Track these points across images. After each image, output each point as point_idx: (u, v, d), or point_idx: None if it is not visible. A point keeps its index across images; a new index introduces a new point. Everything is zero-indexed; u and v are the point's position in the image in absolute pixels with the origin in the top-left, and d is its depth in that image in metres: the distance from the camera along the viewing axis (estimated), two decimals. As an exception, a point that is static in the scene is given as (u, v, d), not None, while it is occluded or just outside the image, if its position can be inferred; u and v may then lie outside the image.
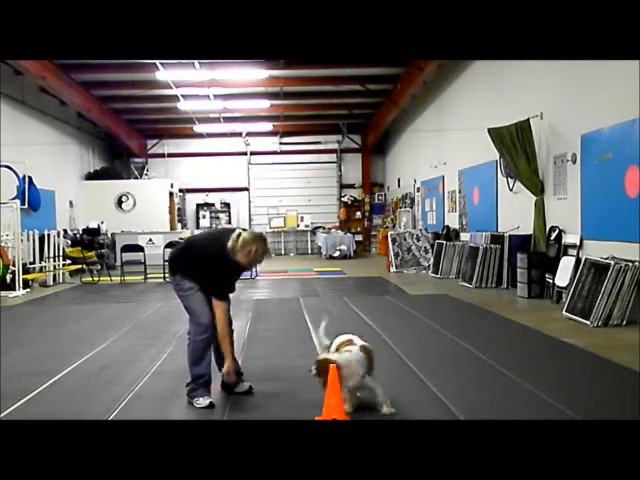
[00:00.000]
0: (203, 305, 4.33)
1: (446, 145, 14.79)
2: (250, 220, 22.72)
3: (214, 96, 17.15)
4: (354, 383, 3.86)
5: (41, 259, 13.31)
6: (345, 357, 3.89)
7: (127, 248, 13.99)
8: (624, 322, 6.99)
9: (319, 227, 22.42)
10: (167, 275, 13.47)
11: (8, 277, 11.41)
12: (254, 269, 12.98)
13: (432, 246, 14.45)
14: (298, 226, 22.73)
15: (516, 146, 9.82)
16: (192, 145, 22.30)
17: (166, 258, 13.61)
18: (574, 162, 8.70)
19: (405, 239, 15.01)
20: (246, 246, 4.13)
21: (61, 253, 13.96)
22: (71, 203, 17.95)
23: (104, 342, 6.67)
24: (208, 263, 4.28)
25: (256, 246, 4.16)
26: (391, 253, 14.96)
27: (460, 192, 13.83)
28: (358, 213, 23.23)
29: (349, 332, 4.34)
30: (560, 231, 9.11)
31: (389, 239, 15.14)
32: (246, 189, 22.93)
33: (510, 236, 10.59)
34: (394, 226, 20.25)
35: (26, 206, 13.37)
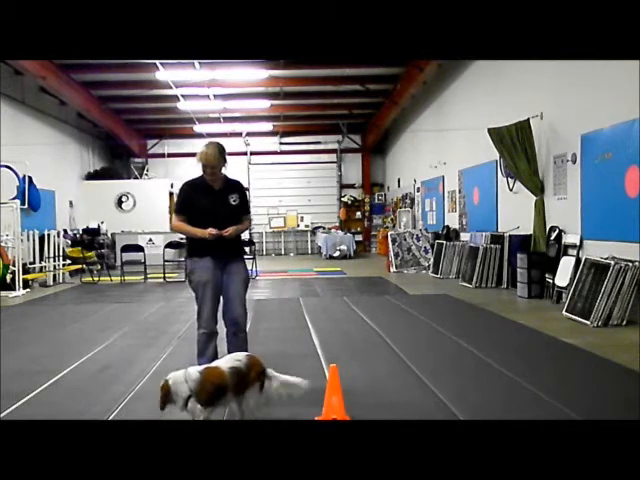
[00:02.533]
0: (205, 303, 4.63)
1: (446, 145, 14.79)
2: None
3: (214, 96, 17.15)
4: (178, 405, 3.60)
5: (41, 259, 13.31)
6: (173, 376, 3.66)
7: (127, 248, 13.99)
8: (624, 322, 6.99)
9: (319, 227, 22.42)
10: (167, 275, 13.55)
11: (8, 277, 11.41)
12: (255, 269, 12.98)
13: (432, 246, 14.45)
14: (298, 226, 22.73)
15: (516, 146, 9.82)
16: (192, 145, 22.25)
17: (166, 258, 13.82)
18: (574, 162, 8.70)
19: (405, 239, 15.01)
20: (200, 150, 4.61)
21: (61, 253, 13.97)
22: (71, 203, 17.95)
23: (104, 342, 6.67)
24: (188, 196, 4.75)
25: (206, 147, 4.60)
26: (391, 253, 14.96)
27: (460, 192, 13.83)
28: (358, 213, 23.23)
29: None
30: (560, 231, 9.11)
31: (389, 239, 15.14)
32: (246, 189, 22.92)
33: (510, 236, 10.59)
34: (394, 226, 20.25)
35: (26, 206, 13.37)
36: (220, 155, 4.58)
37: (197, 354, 4.72)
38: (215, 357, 4.66)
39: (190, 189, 4.76)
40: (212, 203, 4.67)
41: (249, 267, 5.32)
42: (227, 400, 3.69)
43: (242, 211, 4.83)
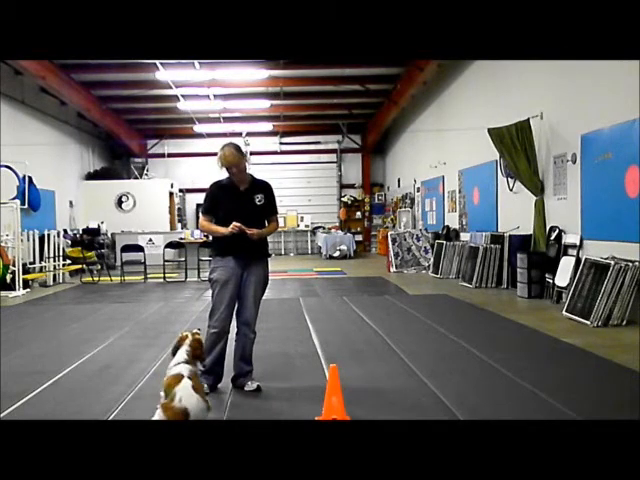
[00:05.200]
0: (220, 302, 4.63)
1: (446, 145, 14.79)
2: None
3: (214, 96, 17.15)
4: None
5: (41, 259, 13.31)
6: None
7: (127, 248, 13.99)
8: (624, 322, 6.99)
9: (319, 227, 22.42)
10: (167, 275, 13.55)
11: (8, 277, 11.41)
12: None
13: (432, 246, 14.45)
14: (298, 226, 22.73)
15: (516, 146, 9.82)
16: (192, 145, 22.28)
17: (167, 258, 13.84)
18: (574, 162, 8.70)
19: (405, 239, 15.01)
20: (219, 155, 4.61)
21: (61, 253, 13.97)
22: (71, 203, 17.95)
23: (104, 342, 6.67)
24: (214, 196, 4.78)
25: (222, 150, 4.61)
26: (391, 253, 14.96)
27: (460, 192, 13.83)
28: (358, 213, 23.22)
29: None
30: (560, 231, 9.11)
31: (389, 239, 15.14)
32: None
33: (510, 236, 10.59)
34: (394, 226, 20.25)
35: (26, 206, 13.37)
36: (238, 152, 4.62)
37: (204, 351, 4.74)
38: (222, 356, 4.68)
39: (216, 190, 4.79)
40: (236, 203, 4.69)
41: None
42: None
43: (268, 211, 4.84)
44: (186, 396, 3.34)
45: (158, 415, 3.34)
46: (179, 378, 3.48)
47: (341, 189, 23.30)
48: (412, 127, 18.12)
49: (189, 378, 3.49)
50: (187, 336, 3.85)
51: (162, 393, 3.57)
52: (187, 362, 3.69)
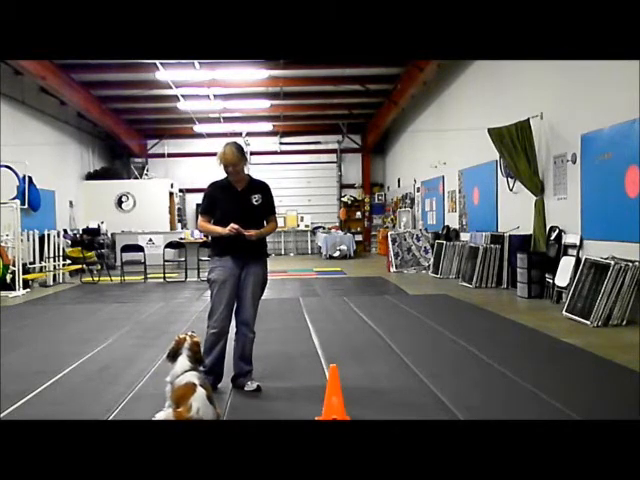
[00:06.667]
0: (219, 302, 4.63)
1: (446, 145, 14.79)
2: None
3: (214, 96, 17.16)
4: None
5: (41, 259, 13.31)
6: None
7: (127, 248, 13.99)
8: (624, 322, 6.99)
9: (319, 227, 22.41)
10: (167, 275, 13.55)
11: (8, 277, 11.41)
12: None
13: (432, 246, 14.45)
14: (298, 226, 22.73)
15: (516, 146, 9.82)
16: (192, 145, 22.27)
17: (166, 258, 13.84)
18: (574, 162, 8.70)
19: (405, 239, 15.01)
20: (219, 152, 4.64)
21: (61, 253, 13.97)
22: (71, 203, 17.95)
23: (104, 342, 6.67)
24: (212, 197, 4.79)
25: (224, 148, 4.64)
26: (391, 253, 14.96)
27: (460, 192, 13.83)
28: (358, 213, 23.22)
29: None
30: (560, 231, 9.11)
31: (389, 239, 15.14)
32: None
33: (510, 236, 10.59)
34: (394, 226, 20.25)
35: (26, 206, 13.37)
36: (239, 152, 4.62)
37: (203, 352, 4.73)
38: (222, 356, 4.69)
39: (214, 190, 4.80)
40: (234, 203, 4.70)
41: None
42: None
43: (266, 211, 4.83)
44: (203, 407, 3.33)
45: (161, 417, 3.33)
46: (192, 388, 3.43)
47: (341, 189, 23.29)
48: (412, 127, 18.12)
49: (202, 387, 3.47)
50: (185, 339, 3.79)
51: (169, 402, 3.53)
52: (193, 369, 3.65)
